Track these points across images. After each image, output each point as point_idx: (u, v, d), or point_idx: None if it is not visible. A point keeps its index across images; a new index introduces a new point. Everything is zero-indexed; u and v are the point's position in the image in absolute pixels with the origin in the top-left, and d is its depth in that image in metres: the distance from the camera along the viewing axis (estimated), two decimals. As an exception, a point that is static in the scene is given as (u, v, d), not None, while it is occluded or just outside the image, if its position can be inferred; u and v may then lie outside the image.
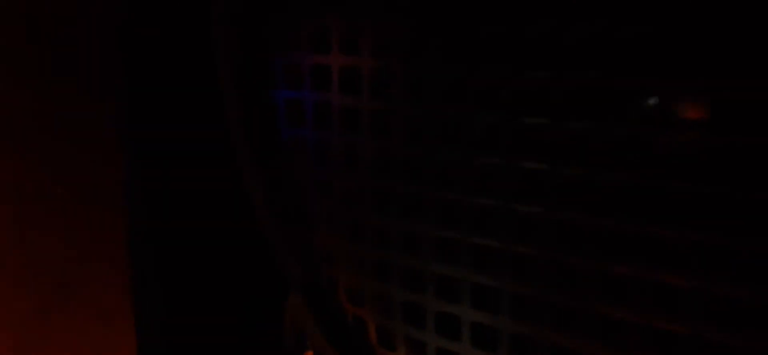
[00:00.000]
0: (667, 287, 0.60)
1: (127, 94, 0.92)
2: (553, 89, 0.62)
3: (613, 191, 0.61)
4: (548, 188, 0.65)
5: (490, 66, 0.65)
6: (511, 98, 0.65)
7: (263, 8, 0.86)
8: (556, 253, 0.66)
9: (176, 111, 1.00)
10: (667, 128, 0.56)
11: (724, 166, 0.55)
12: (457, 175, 0.72)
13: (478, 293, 0.75)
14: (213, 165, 1.02)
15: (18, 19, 0.88)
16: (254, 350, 1.14)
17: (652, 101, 0.59)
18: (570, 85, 0.61)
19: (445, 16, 0.68)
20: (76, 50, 0.92)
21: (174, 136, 0.98)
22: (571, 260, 0.65)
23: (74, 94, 0.93)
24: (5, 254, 0.93)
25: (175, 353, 1.06)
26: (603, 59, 0.59)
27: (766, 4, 0.49)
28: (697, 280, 0.58)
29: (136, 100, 0.94)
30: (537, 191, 0.66)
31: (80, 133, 0.95)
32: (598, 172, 0.61)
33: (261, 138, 0.89)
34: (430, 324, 0.80)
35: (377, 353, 0.90)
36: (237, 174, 0.96)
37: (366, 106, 0.76)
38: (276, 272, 1.01)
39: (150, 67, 0.95)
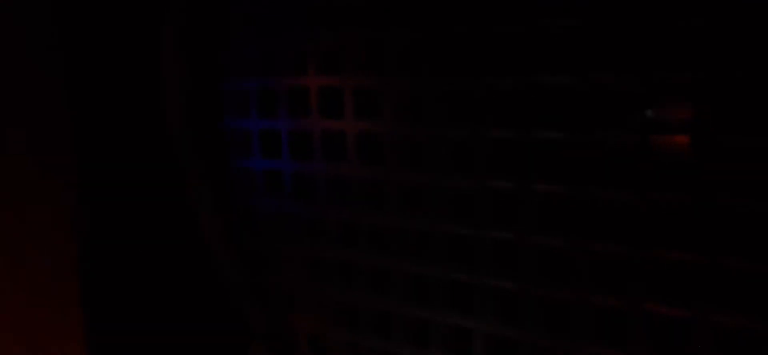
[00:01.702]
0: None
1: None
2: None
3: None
4: (521, 215, 0.56)
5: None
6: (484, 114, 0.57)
7: (210, 36, 0.79)
8: (539, 288, 0.57)
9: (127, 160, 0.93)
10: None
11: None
12: (430, 200, 0.63)
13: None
14: (165, 193, 0.94)
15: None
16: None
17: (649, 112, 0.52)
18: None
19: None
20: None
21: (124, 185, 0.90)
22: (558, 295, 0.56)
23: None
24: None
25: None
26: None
27: None
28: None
29: (82, 135, 0.86)
30: (510, 219, 0.57)
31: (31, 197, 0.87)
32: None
33: (213, 170, 0.81)
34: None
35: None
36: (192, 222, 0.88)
37: (317, 128, 0.67)
38: (237, 321, 0.92)
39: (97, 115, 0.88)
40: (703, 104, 0.47)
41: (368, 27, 0.62)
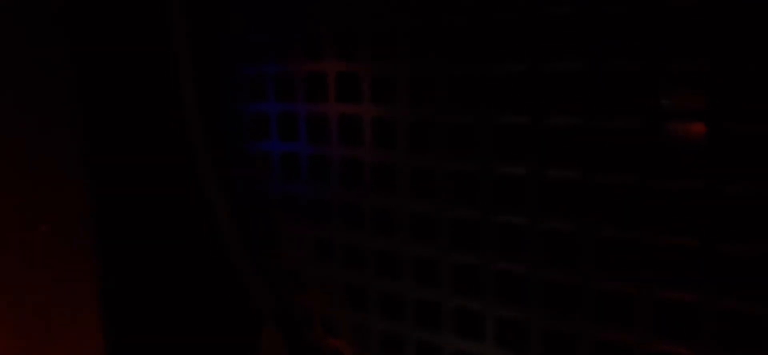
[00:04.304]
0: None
1: (83, 121, 0.86)
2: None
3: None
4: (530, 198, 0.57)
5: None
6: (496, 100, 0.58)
7: (224, 18, 0.80)
8: (543, 270, 0.58)
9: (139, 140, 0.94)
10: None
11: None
12: (438, 185, 0.65)
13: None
14: (175, 186, 0.95)
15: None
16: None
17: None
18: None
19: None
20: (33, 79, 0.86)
21: (134, 163, 0.91)
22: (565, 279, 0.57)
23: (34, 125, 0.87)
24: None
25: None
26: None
27: None
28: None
29: (93, 127, 0.88)
30: (519, 201, 0.59)
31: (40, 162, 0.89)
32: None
33: (225, 153, 0.82)
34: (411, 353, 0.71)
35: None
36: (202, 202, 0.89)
37: (334, 113, 0.69)
38: (246, 302, 0.93)
39: (106, 90, 0.89)
40: (716, 93, 0.47)
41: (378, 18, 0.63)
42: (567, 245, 0.57)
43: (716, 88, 0.47)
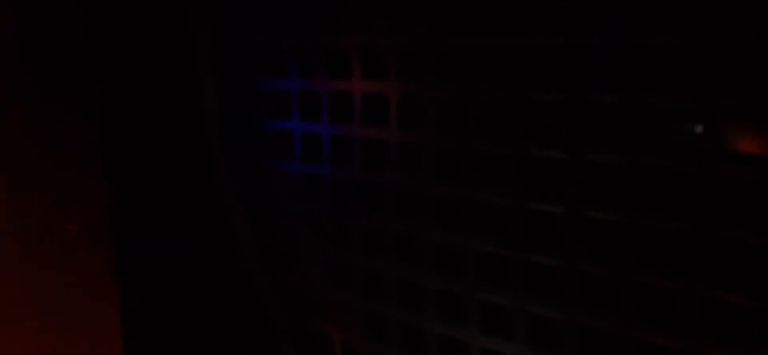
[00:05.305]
0: None
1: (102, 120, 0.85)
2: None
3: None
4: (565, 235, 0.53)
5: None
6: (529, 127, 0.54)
7: (247, 28, 0.78)
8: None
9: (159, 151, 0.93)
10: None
11: None
12: (464, 217, 0.61)
13: None
14: (192, 193, 0.94)
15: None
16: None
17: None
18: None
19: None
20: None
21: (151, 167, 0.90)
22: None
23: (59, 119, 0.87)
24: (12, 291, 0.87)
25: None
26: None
27: None
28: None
29: (113, 129, 0.86)
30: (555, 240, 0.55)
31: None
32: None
33: (245, 169, 0.80)
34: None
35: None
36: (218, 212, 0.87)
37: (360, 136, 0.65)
38: (263, 319, 0.91)
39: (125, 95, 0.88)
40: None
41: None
42: (604, 289, 0.53)
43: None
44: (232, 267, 0.89)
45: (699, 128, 0.48)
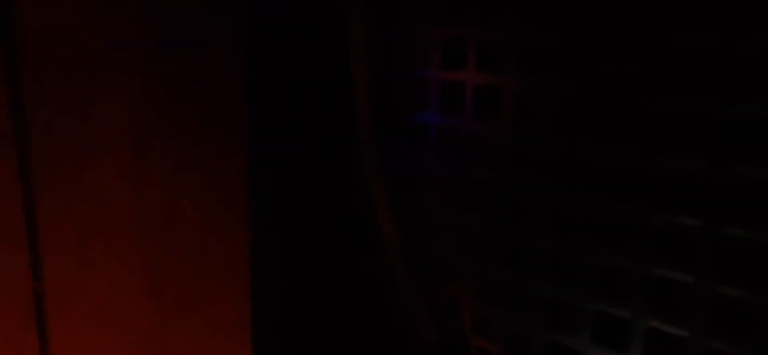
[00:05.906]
0: None
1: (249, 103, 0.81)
2: None
3: None
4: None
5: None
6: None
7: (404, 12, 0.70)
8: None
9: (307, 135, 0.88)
10: None
11: None
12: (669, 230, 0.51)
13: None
14: (334, 179, 0.88)
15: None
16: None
17: None
18: None
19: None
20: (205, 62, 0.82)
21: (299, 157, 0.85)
22: None
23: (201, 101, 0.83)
24: (128, 273, 0.85)
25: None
26: None
27: None
28: None
29: (259, 110, 0.82)
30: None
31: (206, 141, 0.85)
32: None
33: (397, 169, 0.73)
34: None
35: None
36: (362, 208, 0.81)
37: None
38: (404, 329, 0.84)
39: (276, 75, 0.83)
40: None
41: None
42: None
43: None
44: (367, 268, 0.83)
45: None
